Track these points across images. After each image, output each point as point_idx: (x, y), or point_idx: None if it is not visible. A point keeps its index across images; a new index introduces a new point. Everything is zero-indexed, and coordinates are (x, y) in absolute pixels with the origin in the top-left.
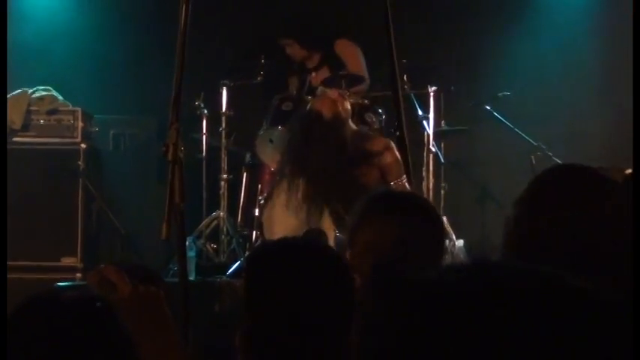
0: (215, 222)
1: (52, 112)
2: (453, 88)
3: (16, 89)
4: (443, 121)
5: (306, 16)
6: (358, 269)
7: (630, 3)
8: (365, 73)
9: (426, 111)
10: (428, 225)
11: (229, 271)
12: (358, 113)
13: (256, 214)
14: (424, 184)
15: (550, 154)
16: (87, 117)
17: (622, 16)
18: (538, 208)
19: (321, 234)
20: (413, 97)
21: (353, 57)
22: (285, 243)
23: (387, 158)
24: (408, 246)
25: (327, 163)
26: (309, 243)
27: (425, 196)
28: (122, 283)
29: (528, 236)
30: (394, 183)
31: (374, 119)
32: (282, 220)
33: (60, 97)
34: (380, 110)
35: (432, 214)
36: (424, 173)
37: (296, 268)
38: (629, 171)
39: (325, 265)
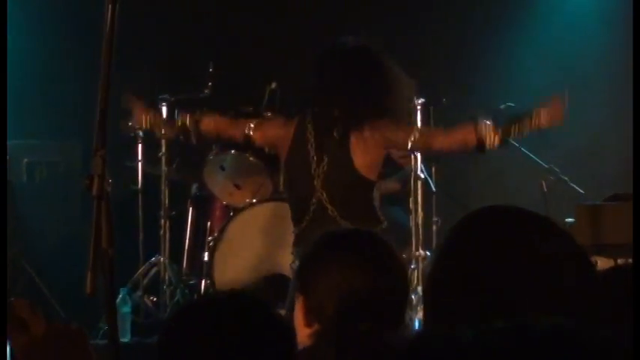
0: (154, 269)
1: None
2: (444, 100)
3: None
4: None
5: None
6: (318, 315)
7: None
8: None
9: None
10: (392, 272)
11: None
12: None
13: (205, 258)
14: (412, 217)
15: (565, 178)
16: None
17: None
18: (455, 257)
19: (283, 279)
20: None
21: None
22: (210, 300)
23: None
24: (375, 293)
25: None
26: (240, 299)
27: (413, 233)
28: (35, 320)
29: (443, 285)
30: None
31: None
32: (237, 259)
33: None
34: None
35: (396, 260)
36: (411, 205)
37: (216, 334)
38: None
39: (254, 328)
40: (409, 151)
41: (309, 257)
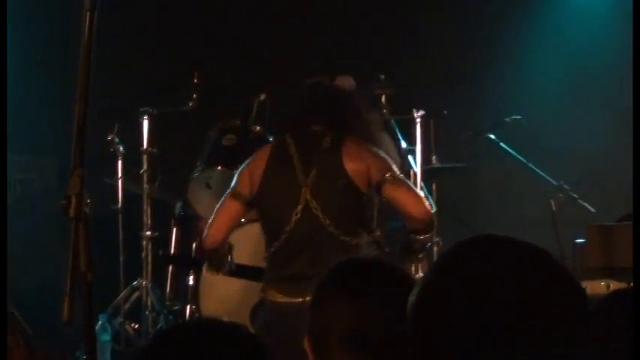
0: (136, 294)
1: None
2: (446, 112)
3: None
4: (434, 156)
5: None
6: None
7: None
8: None
9: (412, 142)
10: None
11: None
12: None
13: (190, 282)
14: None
15: (575, 195)
16: None
17: None
18: (438, 295)
19: None
20: (394, 125)
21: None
22: (186, 328)
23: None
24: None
25: None
26: (219, 328)
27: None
28: (17, 348)
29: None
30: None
31: None
32: (225, 283)
33: None
34: None
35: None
36: None
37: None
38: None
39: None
40: (375, 184)
41: (321, 285)
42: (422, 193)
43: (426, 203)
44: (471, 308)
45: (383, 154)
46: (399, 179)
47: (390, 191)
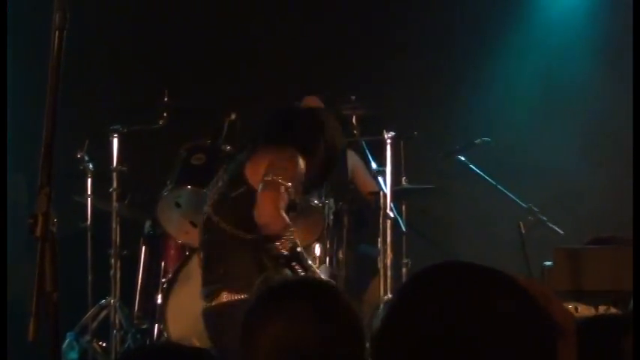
0: (104, 312)
1: None
2: (416, 133)
3: None
4: (404, 177)
5: None
6: None
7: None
8: None
9: (382, 163)
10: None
11: None
12: None
13: (159, 301)
14: (379, 259)
15: (544, 218)
16: None
17: (620, 55)
18: (401, 322)
19: None
20: (364, 146)
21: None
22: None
23: None
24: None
25: None
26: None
27: (381, 275)
28: None
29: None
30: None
31: None
32: (193, 303)
33: None
34: None
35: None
36: (380, 245)
37: None
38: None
39: None
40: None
41: (250, 311)
42: (281, 204)
43: (269, 208)
44: (434, 340)
45: (283, 162)
46: (268, 183)
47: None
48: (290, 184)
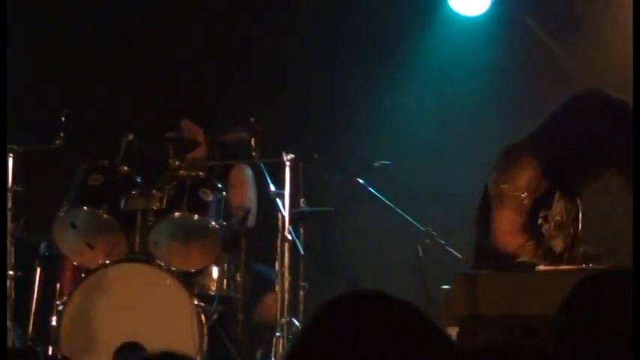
0: None
1: None
2: (315, 156)
3: None
4: (303, 200)
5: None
6: None
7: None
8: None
9: (281, 186)
10: None
11: None
12: (191, 188)
13: (53, 323)
14: (277, 282)
15: (442, 242)
16: None
17: (518, 78)
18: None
19: (137, 347)
20: (263, 168)
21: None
22: None
23: None
24: None
25: None
26: None
27: (279, 298)
28: None
29: None
30: None
31: (210, 197)
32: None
33: None
34: (219, 185)
35: None
36: (277, 267)
37: None
38: None
39: None
40: None
41: None
42: None
43: None
44: None
45: None
46: None
47: None
48: None
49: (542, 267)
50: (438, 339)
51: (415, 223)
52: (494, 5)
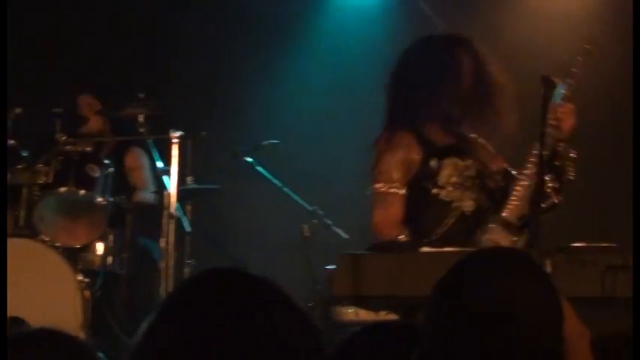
0: None
1: None
2: (204, 133)
3: None
4: (190, 177)
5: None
6: None
7: None
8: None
9: (168, 163)
10: None
11: None
12: (78, 163)
13: None
14: (162, 259)
15: (329, 222)
16: None
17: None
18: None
19: (18, 322)
20: (151, 144)
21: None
22: None
23: None
24: None
25: None
26: None
27: (162, 275)
28: None
29: None
30: None
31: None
32: None
33: None
34: (107, 162)
35: None
36: (163, 244)
37: None
38: None
39: None
40: None
41: None
42: None
43: None
44: (197, 351)
45: None
46: None
47: None
48: None
49: (425, 248)
50: (297, 315)
51: (302, 202)
52: None
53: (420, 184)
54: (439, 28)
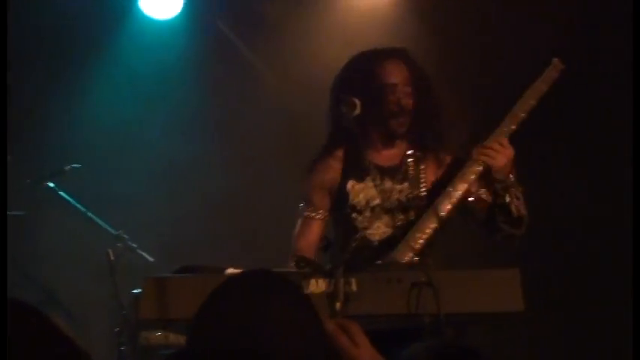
0: None
1: None
2: (10, 158)
3: None
4: None
5: None
6: None
7: None
8: None
9: None
10: None
11: None
12: None
13: None
14: None
15: (134, 245)
16: None
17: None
18: None
19: None
20: None
21: None
22: None
23: None
24: None
25: None
26: None
27: None
28: None
29: None
30: None
31: None
32: None
33: None
34: None
35: None
36: None
37: None
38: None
39: None
40: None
41: None
42: None
43: None
44: None
45: None
46: None
47: None
48: None
49: (230, 270)
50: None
51: (106, 226)
52: (186, 8)
53: (340, 208)
54: (235, 46)
